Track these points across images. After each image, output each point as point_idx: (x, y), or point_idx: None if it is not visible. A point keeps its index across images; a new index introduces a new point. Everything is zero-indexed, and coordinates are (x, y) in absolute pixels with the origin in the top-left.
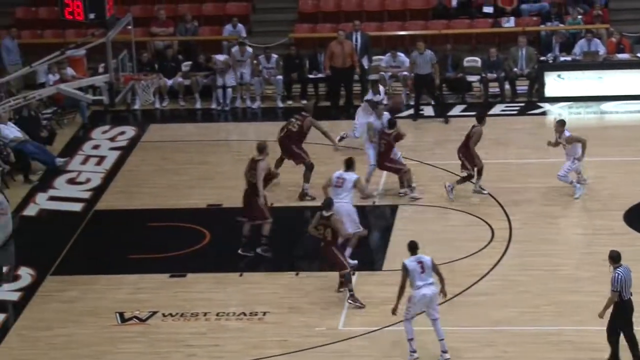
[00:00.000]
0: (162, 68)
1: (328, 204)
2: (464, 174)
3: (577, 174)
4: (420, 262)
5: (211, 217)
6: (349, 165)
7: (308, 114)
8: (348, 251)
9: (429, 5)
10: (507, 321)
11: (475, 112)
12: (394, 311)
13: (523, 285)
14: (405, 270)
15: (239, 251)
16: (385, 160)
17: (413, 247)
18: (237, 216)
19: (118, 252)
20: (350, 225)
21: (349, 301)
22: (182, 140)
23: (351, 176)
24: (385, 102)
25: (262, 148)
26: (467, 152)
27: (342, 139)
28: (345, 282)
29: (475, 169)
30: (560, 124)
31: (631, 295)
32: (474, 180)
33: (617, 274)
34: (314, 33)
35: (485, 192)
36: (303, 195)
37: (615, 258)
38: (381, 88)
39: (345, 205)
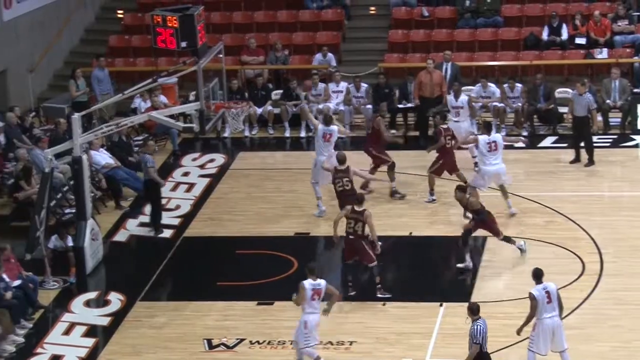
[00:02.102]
0: (252, 96)
1: (361, 199)
2: None
3: None
4: (547, 292)
5: (299, 245)
6: (488, 128)
7: (378, 115)
8: None
9: (520, 36)
10: (598, 356)
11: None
12: (518, 332)
13: (615, 320)
14: (533, 299)
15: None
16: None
17: (538, 275)
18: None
19: (206, 278)
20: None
21: (379, 295)
22: (270, 168)
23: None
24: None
25: (343, 159)
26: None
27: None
28: (374, 275)
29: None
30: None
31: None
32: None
33: (477, 326)
34: (403, 63)
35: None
36: (392, 194)
37: (474, 310)
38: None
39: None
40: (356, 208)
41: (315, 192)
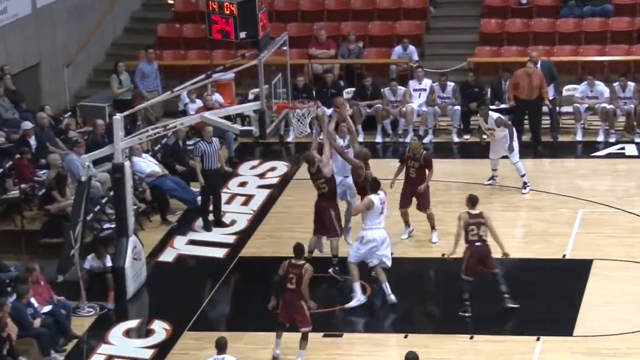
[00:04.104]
0: (321, 95)
1: (475, 200)
2: None
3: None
4: None
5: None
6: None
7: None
8: None
9: (633, 27)
10: None
11: None
12: None
13: None
14: None
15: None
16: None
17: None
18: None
19: (265, 305)
20: None
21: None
22: None
23: None
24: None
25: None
26: None
27: None
28: (501, 283)
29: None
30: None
31: None
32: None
33: None
34: (497, 57)
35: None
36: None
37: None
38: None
39: None
40: (472, 211)
41: None
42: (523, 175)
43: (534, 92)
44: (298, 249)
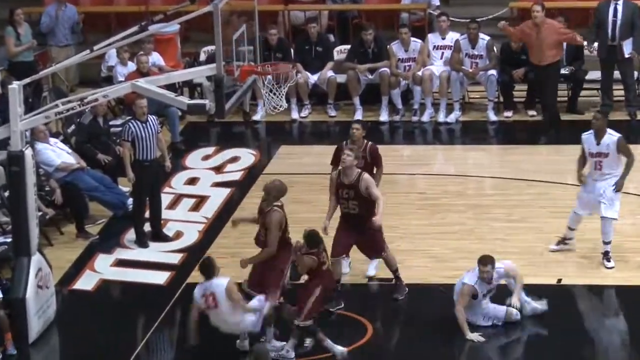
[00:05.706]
0: (302, 55)
1: None
2: None
3: None
4: None
5: (373, 298)
6: None
7: None
8: None
9: None
10: None
11: None
12: None
13: None
14: None
15: None
16: None
17: None
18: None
19: (224, 348)
20: None
21: None
22: (329, 172)
23: None
24: None
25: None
26: None
27: None
28: None
29: None
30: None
31: None
32: None
33: None
34: (551, 0)
35: None
36: None
37: None
38: None
39: None
40: None
41: None
42: (608, 243)
43: (543, 53)
44: (312, 237)
